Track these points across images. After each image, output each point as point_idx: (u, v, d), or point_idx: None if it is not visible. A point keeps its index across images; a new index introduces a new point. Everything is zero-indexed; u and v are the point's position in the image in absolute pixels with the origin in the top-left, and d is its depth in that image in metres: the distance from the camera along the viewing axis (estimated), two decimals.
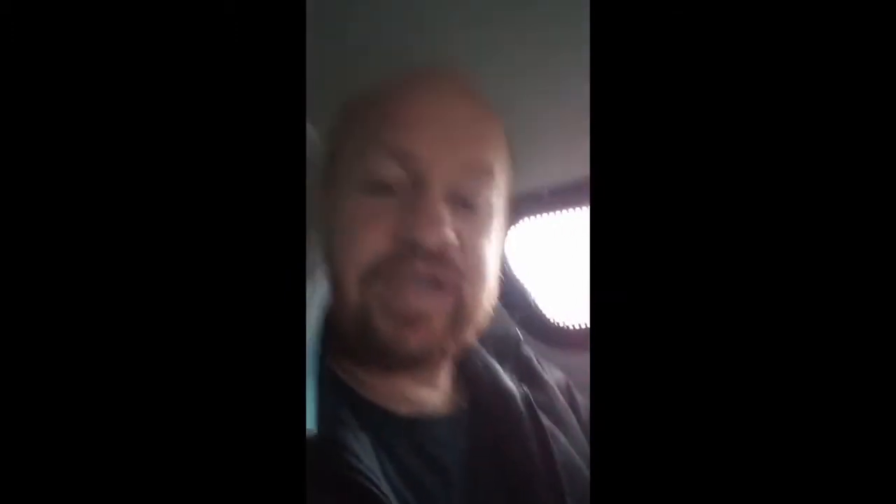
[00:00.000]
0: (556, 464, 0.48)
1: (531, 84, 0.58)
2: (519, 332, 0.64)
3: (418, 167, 0.46)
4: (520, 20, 0.50)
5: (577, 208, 0.76)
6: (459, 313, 0.48)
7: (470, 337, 0.51)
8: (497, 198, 0.50)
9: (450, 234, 0.45)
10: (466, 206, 0.48)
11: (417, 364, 0.48)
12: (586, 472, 0.51)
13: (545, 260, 0.84)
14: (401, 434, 0.46)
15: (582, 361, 0.74)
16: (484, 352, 0.56)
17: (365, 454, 0.41)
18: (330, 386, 0.46)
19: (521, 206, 0.70)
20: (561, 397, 0.58)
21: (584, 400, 0.61)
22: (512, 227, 0.54)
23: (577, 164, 0.70)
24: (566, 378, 0.62)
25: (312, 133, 0.54)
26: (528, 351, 0.62)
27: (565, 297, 0.84)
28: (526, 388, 0.55)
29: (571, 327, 0.82)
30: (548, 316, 0.83)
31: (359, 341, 0.47)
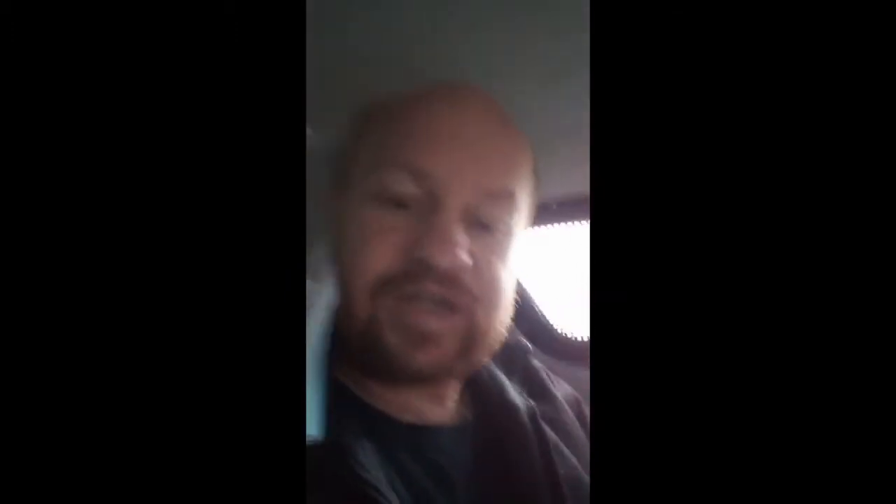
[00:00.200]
0: (558, 477, 0.47)
1: (537, 91, 0.57)
2: (528, 344, 0.63)
3: (435, 187, 0.45)
4: (521, 23, 0.49)
5: (586, 220, 0.76)
6: (471, 336, 0.46)
7: (481, 359, 0.50)
8: (516, 220, 0.48)
9: (464, 257, 0.44)
10: (483, 227, 0.46)
11: (424, 381, 0.47)
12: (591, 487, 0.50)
13: (552, 271, 0.84)
14: (406, 442, 0.45)
15: (587, 377, 0.74)
16: (491, 364, 0.55)
17: (370, 463, 0.41)
18: (335, 393, 0.45)
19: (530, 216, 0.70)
20: (569, 410, 0.57)
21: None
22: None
23: (584, 175, 0.70)
24: (575, 393, 0.61)
25: (311, 134, 0.54)
26: (537, 362, 0.62)
27: (572, 309, 0.84)
28: (532, 401, 0.54)
29: (578, 339, 0.82)
30: (555, 327, 0.83)
31: (366, 354, 0.46)
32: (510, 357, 0.58)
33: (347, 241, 0.48)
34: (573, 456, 0.52)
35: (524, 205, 0.50)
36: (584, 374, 0.75)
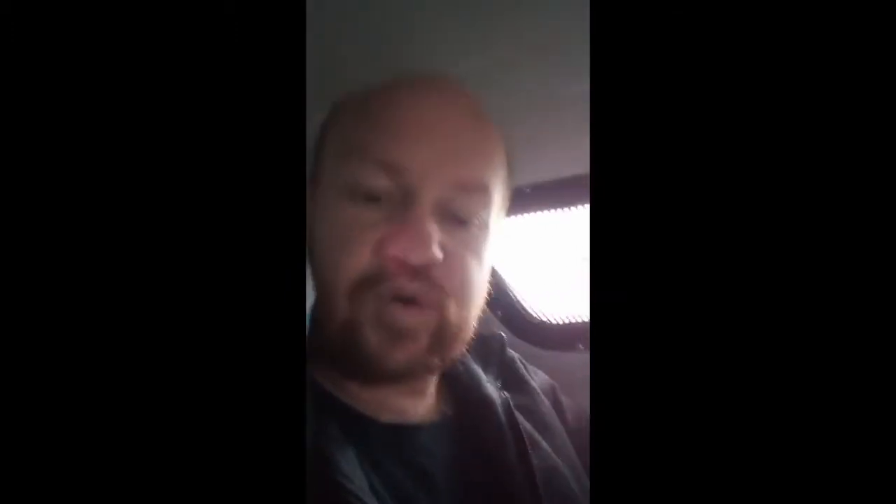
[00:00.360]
0: (534, 469, 0.48)
1: (519, 81, 0.56)
2: (503, 334, 0.63)
3: (408, 181, 0.44)
4: (517, 18, 0.48)
5: (559, 206, 0.76)
6: (443, 331, 0.46)
7: (455, 353, 0.50)
8: (490, 213, 0.48)
9: (436, 253, 0.44)
10: (457, 221, 0.46)
11: (403, 377, 0.47)
12: (568, 476, 0.51)
13: (526, 257, 0.84)
14: (386, 445, 0.45)
15: (565, 361, 0.75)
16: (468, 356, 0.55)
17: (352, 471, 0.41)
18: (314, 396, 0.45)
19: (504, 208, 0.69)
20: (545, 401, 0.58)
21: (569, 402, 0.60)
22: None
23: (558, 162, 0.70)
24: (551, 381, 0.62)
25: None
26: (512, 353, 0.62)
27: (547, 295, 0.84)
28: (507, 394, 0.54)
29: (553, 324, 0.82)
30: (530, 313, 0.83)
31: (344, 354, 0.46)
32: (486, 349, 0.59)
33: (320, 239, 0.47)
34: (549, 446, 0.52)
35: (498, 197, 0.49)
36: (560, 360, 0.76)
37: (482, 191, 0.47)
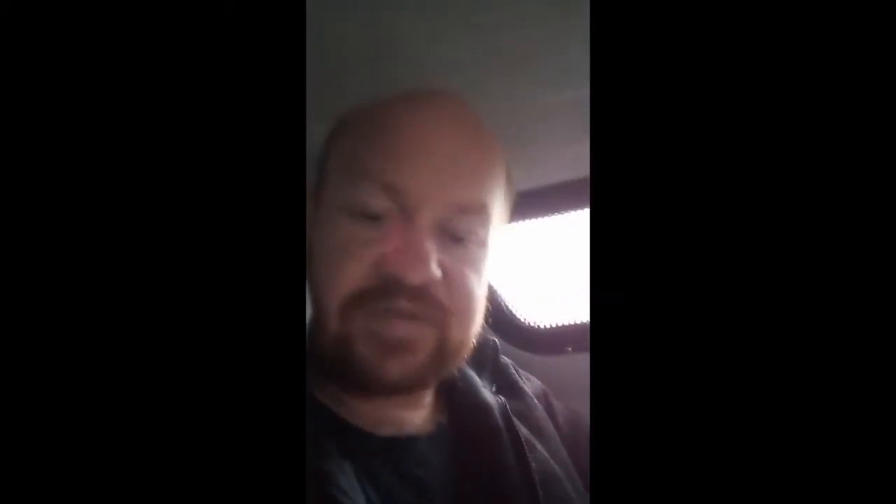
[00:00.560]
0: (532, 473, 0.48)
1: (519, 85, 0.56)
2: (496, 339, 0.63)
3: (407, 202, 0.44)
4: (517, 22, 0.48)
5: (550, 212, 0.77)
6: (443, 349, 0.46)
7: (452, 369, 0.50)
8: (489, 231, 0.48)
9: (435, 272, 0.44)
10: (456, 240, 0.46)
11: (398, 391, 0.47)
12: (563, 480, 0.51)
13: (514, 261, 0.84)
14: (384, 459, 0.45)
15: (555, 365, 0.76)
16: (463, 363, 0.55)
17: (351, 487, 0.41)
18: (311, 410, 0.45)
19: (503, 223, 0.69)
20: (539, 406, 0.58)
21: (560, 406, 0.61)
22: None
23: (550, 169, 0.70)
24: (542, 386, 0.63)
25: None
26: (505, 358, 0.63)
27: (536, 299, 0.84)
28: (503, 399, 0.55)
29: (543, 328, 0.82)
30: (520, 318, 0.84)
31: (339, 367, 0.46)
32: (480, 355, 0.59)
33: (318, 255, 0.47)
34: (545, 450, 0.53)
35: (497, 213, 0.50)
36: (552, 364, 0.77)
37: (481, 211, 0.47)
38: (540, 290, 0.84)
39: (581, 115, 0.40)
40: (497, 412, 0.52)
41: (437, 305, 0.45)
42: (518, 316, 0.83)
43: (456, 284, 0.46)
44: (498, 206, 0.50)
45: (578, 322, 0.79)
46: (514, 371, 0.61)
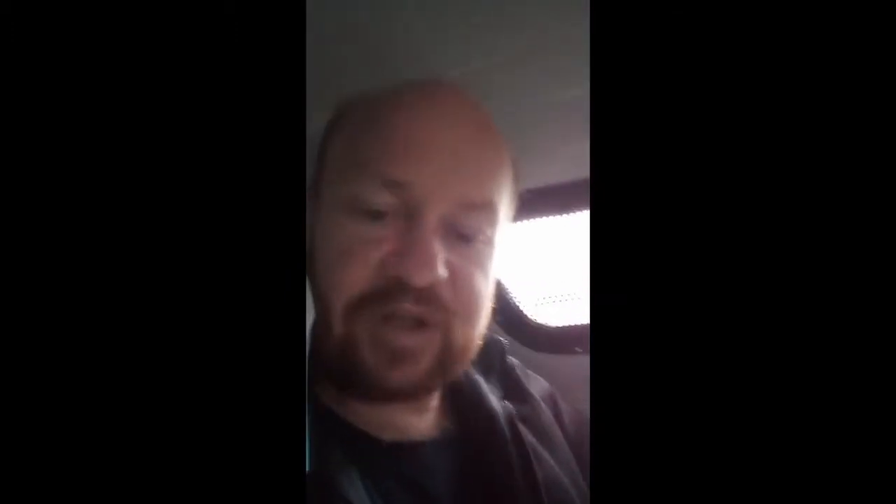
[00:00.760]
0: (537, 480, 0.48)
1: (519, 85, 0.56)
2: (503, 340, 0.63)
3: (412, 199, 0.43)
4: (517, 22, 0.48)
5: (557, 212, 0.76)
6: (448, 352, 0.45)
7: (458, 373, 0.50)
8: (496, 229, 0.47)
9: (441, 273, 0.42)
10: (462, 238, 0.45)
11: (402, 397, 0.46)
12: (568, 487, 0.51)
13: (524, 261, 0.84)
14: (389, 464, 0.45)
15: (564, 364, 0.75)
16: (469, 366, 0.54)
17: (356, 494, 0.40)
18: (316, 414, 0.45)
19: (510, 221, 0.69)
20: (546, 409, 0.57)
21: (567, 408, 0.61)
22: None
23: (557, 168, 0.70)
24: (550, 388, 0.62)
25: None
26: (513, 360, 0.62)
27: (545, 299, 0.84)
28: (509, 404, 0.54)
29: (551, 328, 0.82)
30: (529, 317, 0.83)
31: (343, 372, 0.45)
32: (487, 357, 0.58)
33: (321, 255, 0.46)
34: (551, 457, 0.52)
35: (504, 211, 0.49)
36: (560, 364, 0.76)
37: (488, 208, 0.46)
38: (547, 290, 0.84)
39: (581, 115, 0.39)
40: (503, 420, 0.51)
41: (444, 307, 0.44)
42: (526, 315, 0.83)
43: (463, 285, 0.44)
44: (505, 204, 0.48)
45: (587, 323, 0.78)
46: (521, 373, 0.60)
